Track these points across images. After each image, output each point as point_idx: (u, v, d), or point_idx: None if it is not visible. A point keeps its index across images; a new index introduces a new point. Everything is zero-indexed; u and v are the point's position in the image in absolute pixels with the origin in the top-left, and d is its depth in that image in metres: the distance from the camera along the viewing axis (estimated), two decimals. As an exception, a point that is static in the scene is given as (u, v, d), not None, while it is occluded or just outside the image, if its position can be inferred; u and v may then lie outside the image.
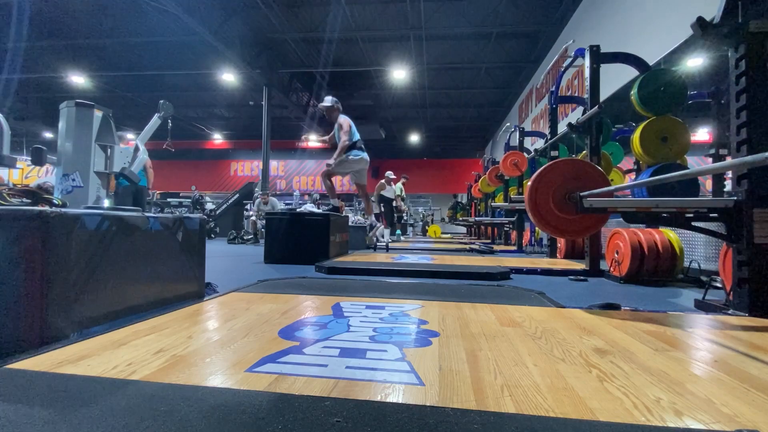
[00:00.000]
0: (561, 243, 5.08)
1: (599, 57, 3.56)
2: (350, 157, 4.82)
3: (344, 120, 4.87)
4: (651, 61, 4.19)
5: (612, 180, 4.51)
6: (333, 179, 5.01)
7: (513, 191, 7.16)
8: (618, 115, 5.35)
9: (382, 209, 8.68)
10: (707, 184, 5.43)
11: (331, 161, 4.76)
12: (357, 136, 4.95)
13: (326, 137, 5.14)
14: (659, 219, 2.19)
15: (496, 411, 0.80)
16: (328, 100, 4.99)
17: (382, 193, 8.86)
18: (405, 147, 22.17)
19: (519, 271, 3.59)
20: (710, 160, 4.17)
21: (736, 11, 1.93)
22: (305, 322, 1.51)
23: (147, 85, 15.24)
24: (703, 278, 2.90)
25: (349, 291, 2.25)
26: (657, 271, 3.07)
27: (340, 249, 4.80)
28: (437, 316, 1.65)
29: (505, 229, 8.82)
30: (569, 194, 2.22)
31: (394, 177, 9.12)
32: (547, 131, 5.58)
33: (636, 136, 3.28)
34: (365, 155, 4.94)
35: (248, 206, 11.55)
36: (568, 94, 7.65)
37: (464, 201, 11.75)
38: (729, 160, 2.28)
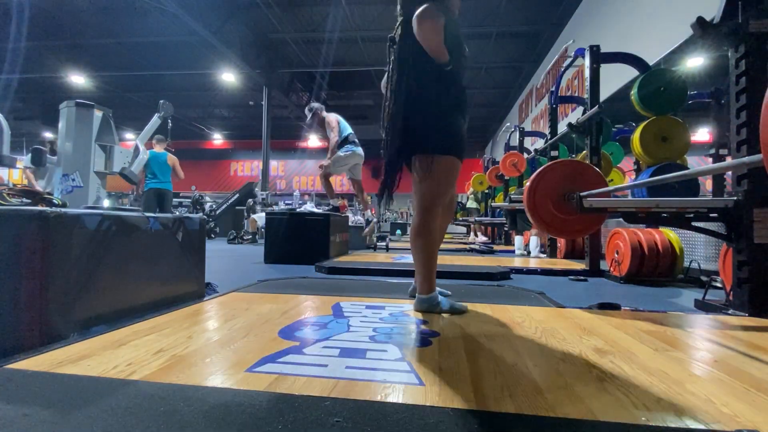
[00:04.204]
0: (561, 243, 5.08)
1: (599, 57, 3.56)
2: (341, 153, 4.71)
3: (331, 117, 4.77)
4: (651, 61, 4.19)
5: (612, 180, 4.52)
6: (332, 179, 4.98)
7: (513, 191, 7.16)
8: (618, 115, 5.34)
9: None
10: (707, 184, 5.43)
11: (325, 162, 4.68)
12: (347, 131, 4.83)
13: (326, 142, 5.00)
14: (659, 219, 2.19)
15: (496, 411, 0.80)
16: (306, 110, 4.91)
17: None
18: (405, 147, 22.14)
19: (519, 271, 3.59)
20: (710, 160, 4.17)
21: (736, 11, 1.93)
22: (305, 322, 1.51)
23: (147, 85, 15.24)
24: (703, 278, 2.90)
25: (349, 291, 2.25)
26: (657, 271, 3.07)
27: (340, 249, 4.80)
28: (437, 316, 1.65)
29: (505, 229, 8.82)
30: (567, 194, 2.22)
31: None
32: (547, 131, 5.58)
33: (636, 136, 3.28)
34: (358, 149, 4.81)
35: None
36: (568, 94, 7.65)
37: (464, 201, 11.78)
38: (729, 160, 2.28)
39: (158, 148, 5.70)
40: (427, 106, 1.67)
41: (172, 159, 5.75)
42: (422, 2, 1.64)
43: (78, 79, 14.13)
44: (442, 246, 7.48)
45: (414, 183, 1.76)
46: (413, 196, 1.77)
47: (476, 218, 10.19)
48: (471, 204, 10.99)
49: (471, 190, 10.97)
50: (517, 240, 5.79)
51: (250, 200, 10.43)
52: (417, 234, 1.72)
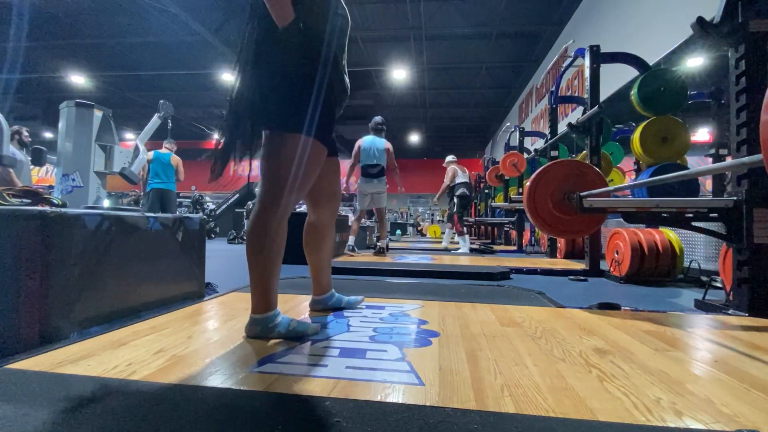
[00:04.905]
0: (561, 243, 5.08)
1: (599, 57, 3.56)
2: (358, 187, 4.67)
3: (357, 142, 4.72)
4: (651, 61, 4.19)
5: (612, 180, 4.52)
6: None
7: (513, 191, 7.17)
8: (618, 115, 5.34)
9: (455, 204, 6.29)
10: (707, 184, 5.44)
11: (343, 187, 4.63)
12: (364, 161, 4.71)
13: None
14: (659, 219, 2.19)
15: (496, 411, 0.80)
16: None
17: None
18: (405, 147, 22.17)
19: (519, 271, 3.59)
20: (710, 160, 4.17)
21: (736, 11, 1.93)
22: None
23: (147, 85, 15.23)
24: (703, 278, 2.90)
25: (349, 291, 2.25)
26: (657, 271, 3.07)
27: (340, 249, 4.79)
28: (437, 316, 1.64)
29: (505, 229, 8.83)
30: (567, 194, 2.22)
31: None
32: (547, 131, 5.58)
33: (636, 136, 3.28)
34: (367, 182, 4.73)
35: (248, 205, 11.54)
36: (568, 94, 7.65)
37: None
38: (729, 160, 2.28)
39: (164, 149, 5.71)
40: (273, 70, 1.29)
41: (175, 159, 5.75)
42: None
43: (78, 79, 14.12)
44: (442, 246, 7.45)
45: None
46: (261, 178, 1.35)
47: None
48: None
49: None
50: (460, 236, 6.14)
51: (249, 204, 10.44)
52: (252, 234, 1.31)
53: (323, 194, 1.58)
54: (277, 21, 1.23)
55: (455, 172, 6.25)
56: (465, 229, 6.24)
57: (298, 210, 4.90)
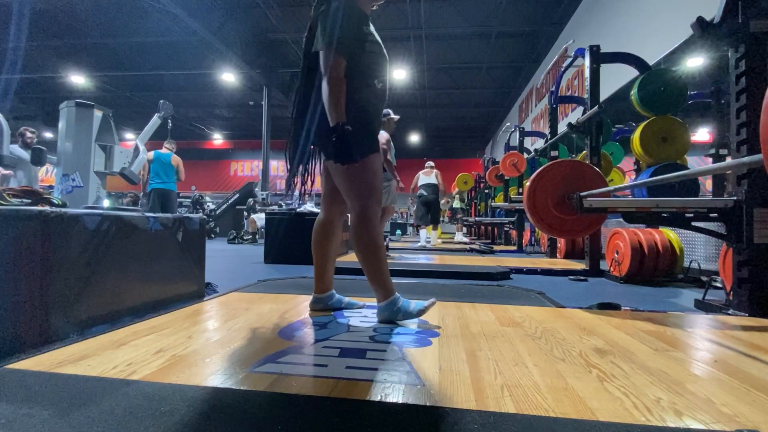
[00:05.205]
0: (561, 243, 5.08)
1: (599, 57, 3.56)
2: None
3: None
4: (651, 61, 4.19)
5: (612, 180, 4.52)
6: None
7: (513, 191, 7.17)
8: (618, 115, 5.34)
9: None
10: (707, 184, 5.44)
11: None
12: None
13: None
14: (659, 219, 2.19)
15: (496, 411, 0.80)
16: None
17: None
18: (405, 147, 22.17)
19: (519, 271, 3.59)
20: (710, 160, 4.17)
21: (736, 11, 1.93)
22: (305, 322, 1.51)
23: (147, 85, 15.24)
24: (703, 278, 2.90)
25: (349, 291, 2.25)
26: (657, 271, 3.07)
27: (339, 249, 4.79)
28: (437, 316, 1.65)
29: (505, 229, 8.83)
30: (567, 194, 2.22)
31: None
32: (547, 131, 5.58)
33: (636, 136, 3.28)
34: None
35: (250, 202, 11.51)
36: (568, 94, 7.65)
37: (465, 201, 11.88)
38: (729, 160, 2.28)
39: (164, 149, 5.71)
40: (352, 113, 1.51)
41: (176, 159, 5.75)
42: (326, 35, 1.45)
43: (78, 79, 14.13)
44: (444, 246, 7.51)
45: (342, 182, 1.59)
46: (348, 196, 1.58)
47: (462, 217, 10.33)
48: (456, 204, 11.07)
49: (456, 190, 11.01)
50: (422, 233, 7.13)
51: (250, 200, 10.43)
52: (359, 237, 1.52)
53: (339, 193, 1.67)
54: (331, 120, 1.44)
55: (417, 177, 7.03)
56: (423, 225, 7.13)
57: (298, 211, 4.90)
